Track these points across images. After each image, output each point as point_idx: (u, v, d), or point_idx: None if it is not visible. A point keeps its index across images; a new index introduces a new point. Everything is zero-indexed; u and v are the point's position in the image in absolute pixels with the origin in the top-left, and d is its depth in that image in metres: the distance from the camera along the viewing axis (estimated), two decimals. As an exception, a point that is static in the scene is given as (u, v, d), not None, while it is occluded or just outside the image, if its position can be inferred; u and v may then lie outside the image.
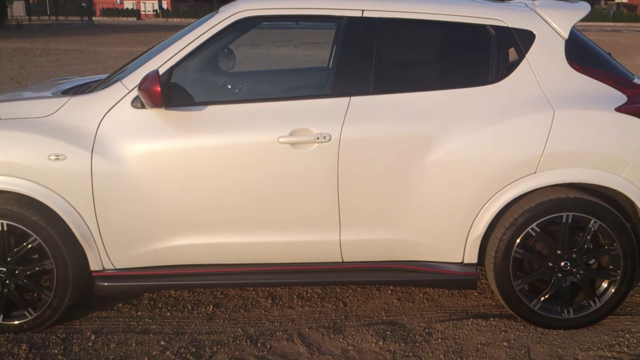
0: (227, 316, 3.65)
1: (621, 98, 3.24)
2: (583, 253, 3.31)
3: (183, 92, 3.35)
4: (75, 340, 3.38)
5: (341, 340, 3.34)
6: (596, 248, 3.33)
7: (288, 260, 3.41)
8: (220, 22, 3.32)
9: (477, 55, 3.37)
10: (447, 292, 3.84)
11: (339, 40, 3.32)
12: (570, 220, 3.25)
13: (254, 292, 3.91)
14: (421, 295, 3.84)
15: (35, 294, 3.53)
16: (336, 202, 3.26)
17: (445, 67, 3.52)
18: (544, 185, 3.21)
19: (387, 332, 3.40)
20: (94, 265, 3.41)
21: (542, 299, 3.36)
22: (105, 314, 3.70)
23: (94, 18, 39.49)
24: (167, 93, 3.22)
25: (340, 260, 3.40)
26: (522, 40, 3.29)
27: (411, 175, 3.21)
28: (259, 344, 3.31)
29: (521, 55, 3.28)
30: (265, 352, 3.23)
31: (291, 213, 3.29)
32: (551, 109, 3.18)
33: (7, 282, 3.42)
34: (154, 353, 3.24)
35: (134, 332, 3.48)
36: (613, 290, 3.34)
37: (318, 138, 3.18)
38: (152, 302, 3.82)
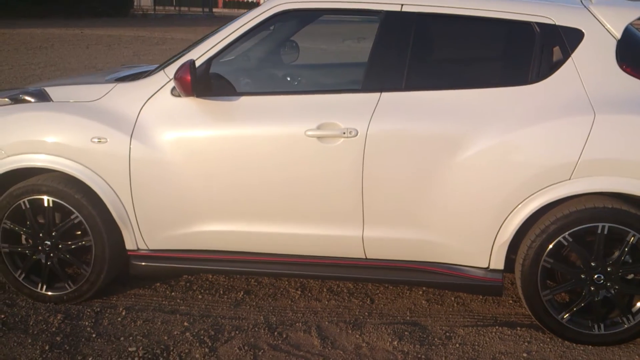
0: (254, 303, 3.71)
1: (675, 104, 3.01)
2: (619, 267, 3.11)
3: (222, 81, 3.42)
4: (107, 315, 3.55)
5: (357, 336, 3.32)
6: (634, 263, 3.12)
7: (312, 253, 3.42)
8: (260, 14, 3.36)
9: (519, 53, 3.22)
10: (479, 297, 3.72)
11: (376, 34, 3.28)
12: (606, 232, 3.06)
13: (286, 282, 3.95)
14: (452, 298, 3.74)
15: (75, 269, 3.72)
16: (360, 198, 3.23)
17: (484, 64, 3.40)
18: (579, 192, 3.03)
19: (406, 333, 3.34)
20: (129, 245, 3.56)
21: (572, 311, 3.19)
22: (142, 291, 3.86)
23: (215, 10, 41.04)
24: (204, 82, 3.30)
25: (364, 257, 3.37)
26: (569, 38, 3.12)
27: (438, 175, 3.13)
28: (275, 333, 3.34)
29: (566, 55, 3.11)
30: (280, 342, 3.27)
31: (316, 206, 3.30)
32: (592, 113, 3.00)
33: (51, 255, 3.64)
34: (175, 333, 3.35)
35: (163, 311, 3.61)
36: (650, 310, 3.12)
37: (344, 133, 3.16)
38: (188, 284, 3.94)
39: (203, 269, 3.58)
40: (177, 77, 3.17)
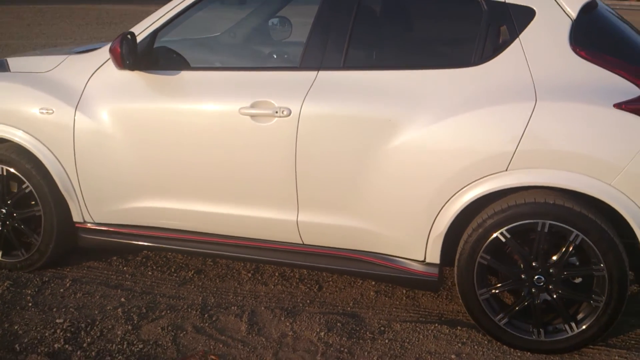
0: (200, 283, 3.65)
1: (633, 92, 2.70)
2: (561, 269, 2.86)
3: (171, 56, 3.35)
4: (52, 285, 3.57)
5: (288, 324, 3.20)
6: (579, 265, 2.86)
7: (248, 235, 3.31)
8: None
9: (464, 33, 3.00)
10: (431, 292, 3.52)
11: (318, 10, 3.11)
12: (546, 230, 2.81)
13: (240, 264, 3.88)
14: (403, 292, 3.56)
15: (28, 238, 3.76)
16: (294, 181, 3.10)
17: (428, 44, 3.17)
18: (513, 185, 2.79)
19: (339, 324, 3.20)
20: (76, 217, 3.56)
21: (510, 313, 2.96)
22: (96, 264, 3.87)
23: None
24: (147, 55, 3.24)
25: (301, 242, 3.24)
26: (519, 17, 2.86)
27: (373, 160, 2.95)
28: (206, 315, 3.27)
29: (514, 35, 2.86)
30: (207, 325, 3.19)
31: (250, 187, 3.19)
32: (534, 99, 2.74)
33: (7, 222, 3.68)
34: (108, 307, 3.33)
35: (107, 285, 3.60)
36: (594, 318, 2.85)
37: (277, 112, 3.03)
38: (144, 260, 3.93)
39: (145, 246, 3.54)
40: (111, 49, 3.12)
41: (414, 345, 3.03)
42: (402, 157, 2.90)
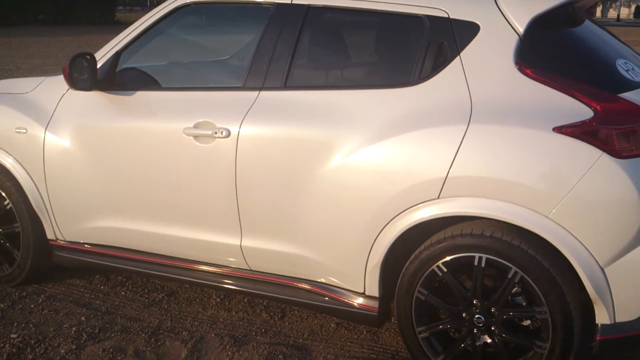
0: (166, 306, 3.62)
1: (585, 114, 2.42)
2: (502, 309, 2.58)
3: (128, 77, 3.39)
4: (27, 300, 3.66)
5: (229, 353, 3.09)
6: (522, 306, 2.57)
7: (198, 259, 3.25)
8: (162, 9, 3.28)
9: (405, 52, 2.82)
10: (395, 327, 3.29)
11: (263, 29, 3.04)
12: (484, 264, 2.55)
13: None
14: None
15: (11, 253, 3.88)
16: (235, 204, 3.01)
17: (370, 63, 3.01)
18: (444, 214, 2.56)
19: (280, 356, 3.05)
20: (49, 234, 3.64)
21: (450, 356, 2.70)
22: (78, 282, 3.93)
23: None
24: (109, 76, 3.30)
25: (248, 268, 3.14)
26: (461, 33, 2.65)
27: (310, 184, 2.82)
28: (153, 340, 3.22)
29: (454, 52, 2.65)
30: (148, 349, 3.14)
31: (196, 210, 3.14)
32: (467, 122, 2.52)
33: (-7, 238, 3.83)
34: (65, 326, 3.36)
35: (76, 303, 3.64)
36: (539, 366, 2.54)
37: (216, 133, 2.97)
38: (124, 280, 3.95)
39: (107, 266, 3.56)
40: (63, 70, 3.19)
41: (349, 383, 2.83)
42: (337, 181, 2.75)
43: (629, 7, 72.46)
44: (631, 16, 67.88)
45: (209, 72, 3.71)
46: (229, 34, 3.89)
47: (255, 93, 2.95)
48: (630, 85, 2.56)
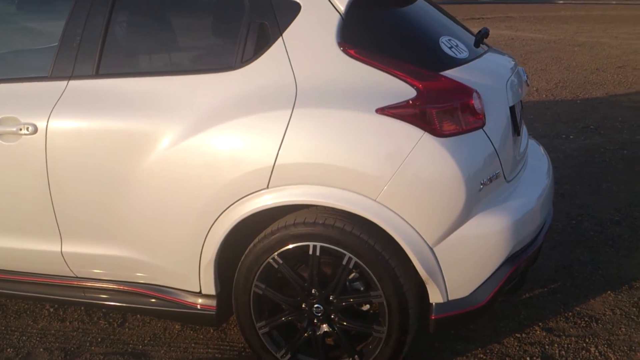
0: (-8, 322, 3.26)
1: (408, 94, 2.36)
2: (340, 297, 2.51)
3: None
4: None
5: (59, 368, 2.82)
6: (360, 292, 2.51)
7: (20, 269, 2.93)
8: None
9: (226, 34, 2.65)
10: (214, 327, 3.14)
11: (70, 10, 2.74)
12: (318, 253, 2.46)
13: (46, 298, 3.47)
14: (213, 324, 3.18)
15: None
16: (51, 207, 2.72)
17: (189, 48, 2.84)
18: (274, 205, 2.44)
19: (116, 367, 2.82)
20: None
21: (291, 349, 2.61)
22: None
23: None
24: None
25: (73, 275, 2.86)
26: (282, 13, 2.51)
27: (130, 180, 2.58)
28: (-28, 361, 2.88)
29: (276, 33, 2.50)
30: (-34, 373, 2.80)
31: (10, 216, 2.83)
32: (292, 106, 2.39)
33: None
34: None
35: None
36: (377, 352, 2.50)
37: (21, 129, 2.65)
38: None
39: None
40: None
41: (189, 388, 2.67)
42: (160, 175, 2.54)
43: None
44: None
45: (14, 62, 3.33)
46: (42, 20, 3.51)
47: (63, 83, 2.67)
48: (454, 62, 2.55)
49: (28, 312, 3.36)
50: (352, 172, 2.32)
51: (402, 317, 2.42)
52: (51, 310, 3.37)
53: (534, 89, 8.29)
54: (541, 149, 3.30)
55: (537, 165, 3.01)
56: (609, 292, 3.33)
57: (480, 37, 2.86)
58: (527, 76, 3.06)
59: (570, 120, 6.73)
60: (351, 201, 2.34)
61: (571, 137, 6.14)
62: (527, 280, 3.37)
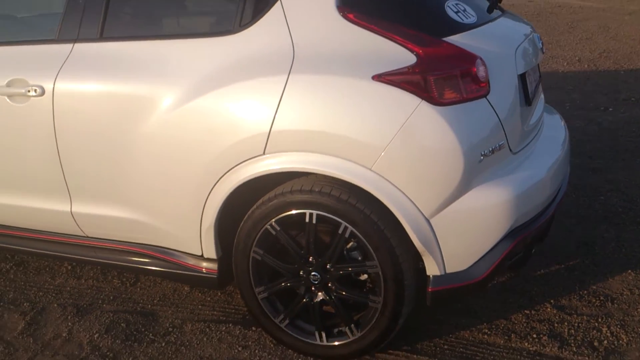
0: (12, 277, 3.41)
1: (407, 60, 2.29)
2: (336, 265, 2.49)
3: None
4: None
5: (69, 324, 2.93)
6: (356, 261, 2.49)
7: (32, 227, 3.02)
8: None
9: (227, -3, 2.61)
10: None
11: None
12: (315, 221, 2.44)
13: (65, 256, 3.58)
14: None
15: None
16: (59, 168, 2.79)
17: (191, 12, 2.81)
18: (269, 171, 2.43)
19: (123, 325, 2.91)
20: None
21: (291, 315, 2.62)
22: None
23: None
24: None
25: (83, 235, 2.93)
26: None
27: (132, 143, 2.61)
28: (-11, 312, 3.01)
29: (274, -3, 2.45)
30: (-18, 323, 2.93)
31: (22, 176, 2.90)
32: (288, 71, 2.36)
33: None
34: None
35: None
36: (374, 321, 2.48)
37: (29, 91, 2.70)
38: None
39: None
40: None
41: (189, 349, 2.73)
42: (161, 139, 2.56)
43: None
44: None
45: (25, 24, 3.37)
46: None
47: (69, 45, 2.70)
48: (460, 28, 2.46)
49: (47, 269, 3.46)
50: (347, 140, 2.28)
51: (398, 288, 2.40)
52: (69, 268, 3.47)
53: (576, 58, 7.95)
54: (560, 119, 3.18)
55: (552, 135, 2.90)
56: (629, 271, 3.21)
57: (494, 2, 2.74)
58: (542, 43, 2.93)
59: (611, 91, 6.45)
60: (346, 169, 2.31)
61: (610, 109, 5.88)
62: (545, 256, 3.29)
